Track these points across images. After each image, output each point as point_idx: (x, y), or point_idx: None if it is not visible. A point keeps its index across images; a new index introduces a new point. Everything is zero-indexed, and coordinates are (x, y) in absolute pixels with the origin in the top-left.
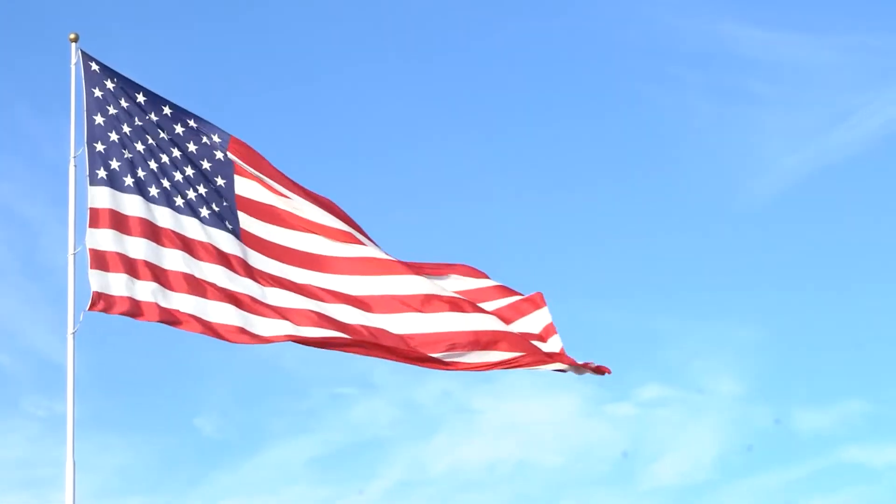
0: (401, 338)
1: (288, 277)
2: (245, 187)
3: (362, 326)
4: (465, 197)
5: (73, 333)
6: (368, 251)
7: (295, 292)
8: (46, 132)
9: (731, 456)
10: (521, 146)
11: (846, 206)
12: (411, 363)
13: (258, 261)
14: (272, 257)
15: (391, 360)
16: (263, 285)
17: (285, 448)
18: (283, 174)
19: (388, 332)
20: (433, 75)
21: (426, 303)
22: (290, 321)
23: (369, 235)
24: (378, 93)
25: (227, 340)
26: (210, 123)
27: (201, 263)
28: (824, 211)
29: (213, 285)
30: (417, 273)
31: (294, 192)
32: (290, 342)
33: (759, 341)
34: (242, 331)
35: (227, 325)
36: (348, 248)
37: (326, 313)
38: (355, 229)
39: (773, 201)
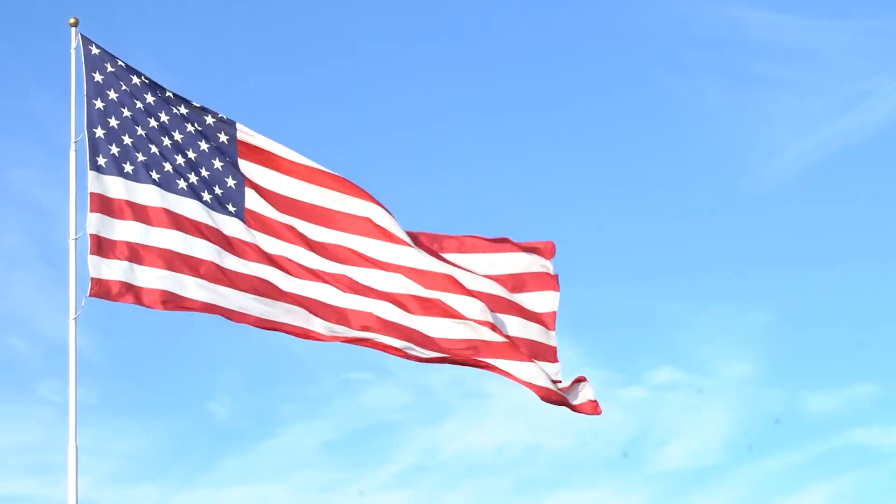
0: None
1: (294, 259)
2: (250, 170)
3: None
4: (475, 182)
5: (75, 319)
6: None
7: (299, 277)
8: (61, 117)
9: (741, 439)
10: (531, 130)
11: (857, 190)
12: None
13: (263, 242)
14: (279, 238)
15: (395, 354)
16: (270, 266)
17: (297, 433)
18: (294, 162)
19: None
20: (442, 58)
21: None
22: (298, 307)
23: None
24: (390, 75)
25: (232, 320)
26: (211, 111)
27: (202, 244)
28: (835, 195)
29: (214, 266)
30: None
31: (306, 181)
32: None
33: (770, 325)
34: (243, 314)
35: (230, 309)
36: (361, 240)
37: (332, 301)
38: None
39: (784, 185)
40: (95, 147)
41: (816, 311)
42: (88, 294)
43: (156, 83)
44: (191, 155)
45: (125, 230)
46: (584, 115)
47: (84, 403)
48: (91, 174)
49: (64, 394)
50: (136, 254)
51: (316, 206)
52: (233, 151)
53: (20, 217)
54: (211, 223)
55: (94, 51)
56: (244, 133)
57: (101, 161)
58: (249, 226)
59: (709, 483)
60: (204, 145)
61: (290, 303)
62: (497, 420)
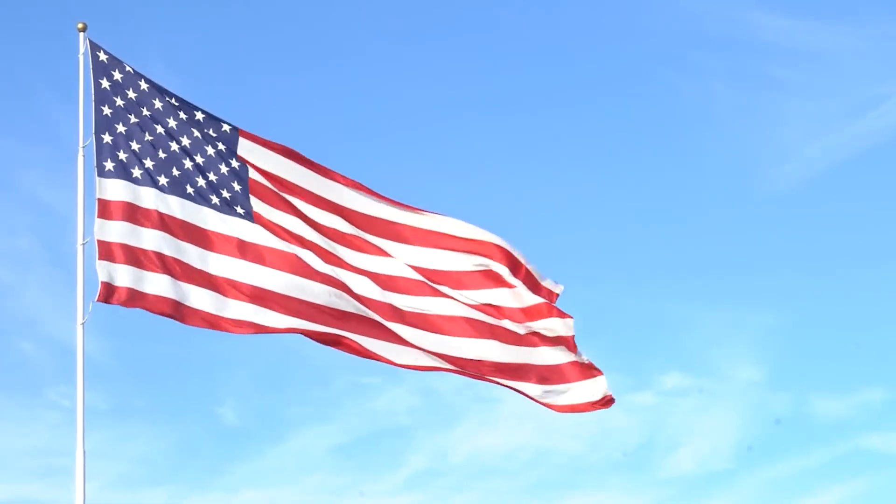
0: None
1: (304, 260)
2: (256, 174)
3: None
4: (485, 183)
5: (83, 324)
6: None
7: (308, 278)
8: (71, 119)
9: (751, 443)
10: (540, 131)
11: (868, 194)
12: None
13: (273, 244)
14: (285, 239)
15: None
16: (280, 270)
17: (307, 436)
18: (299, 162)
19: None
20: (448, 59)
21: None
22: (302, 317)
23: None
24: (397, 75)
25: (232, 332)
26: (217, 118)
27: (209, 253)
28: (846, 199)
29: (220, 277)
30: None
31: (307, 195)
32: (300, 335)
33: (779, 328)
34: (250, 323)
35: (234, 319)
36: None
37: (341, 308)
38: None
39: (795, 188)
40: (103, 153)
41: (827, 315)
42: (97, 299)
43: (163, 88)
44: (198, 160)
45: (132, 236)
46: (593, 116)
47: (94, 407)
48: (98, 180)
49: (73, 398)
50: (142, 260)
51: (320, 221)
52: (236, 155)
53: (30, 219)
54: (216, 228)
55: (102, 57)
56: (247, 138)
57: (109, 167)
58: (259, 225)
59: (718, 487)
60: (210, 150)
61: (295, 315)
62: (507, 424)
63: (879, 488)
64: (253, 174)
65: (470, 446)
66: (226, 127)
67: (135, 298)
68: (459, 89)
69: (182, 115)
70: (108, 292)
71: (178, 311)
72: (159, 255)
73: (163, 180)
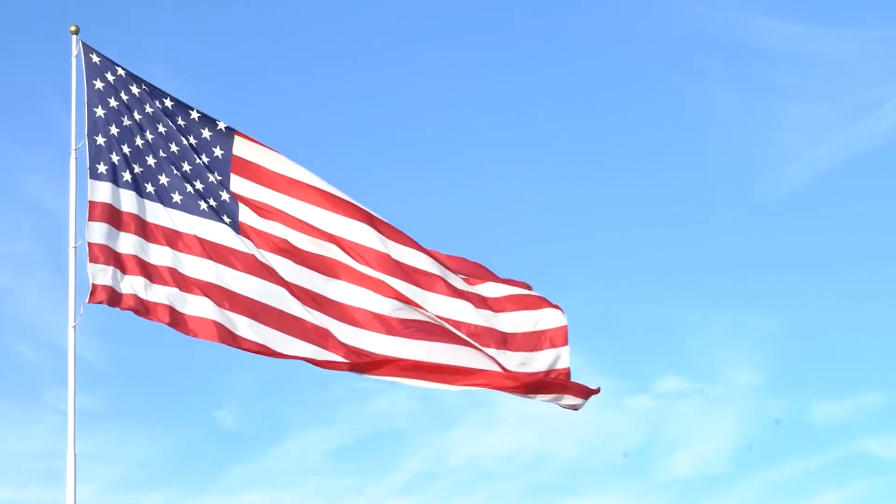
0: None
1: (287, 277)
2: (241, 186)
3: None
4: (487, 186)
5: (75, 327)
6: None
7: (292, 294)
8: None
9: (750, 444)
10: (544, 134)
11: (869, 197)
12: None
13: (258, 255)
14: (270, 251)
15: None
16: (267, 280)
17: (305, 440)
18: (291, 173)
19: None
20: (456, 62)
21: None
22: (287, 331)
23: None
24: (403, 78)
25: (233, 346)
26: (213, 119)
27: (196, 260)
28: (847, 203)
29: (204, 283)
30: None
31: (303, 194)
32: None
33: (779, 332)
34: (254, 342)
35: (238, 335)
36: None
37: (320, 323)
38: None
39: (796, 193)
40: (96, 155)
41: (826, 318)
42: (87, 301)
43: (157, 90)
44: (186, 167)
45: (123, 240)
46: (597, 120)
47: (91, 410)
48: (91, 182)
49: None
50: (128, 264)
51: (310, 223)
52: (226, 168)
53: (32, 223)
54: (201, 235)
55: (95, 59)
56: (243, 144)
57: (102, 169)
58: (244, 236)
59: (717, 491)
60: (200, 158)
61: (279, 328)
62: (506, 427)
63: (877, 492)
64: (236, 187)
65: (469, 449)
66: (221, 130)
67: (126, 302)
68: (462, 91)
69: (174, 120)
70: (99, 294)
71: (173, 318)
72: (142, 262)
73: (151, 187)
